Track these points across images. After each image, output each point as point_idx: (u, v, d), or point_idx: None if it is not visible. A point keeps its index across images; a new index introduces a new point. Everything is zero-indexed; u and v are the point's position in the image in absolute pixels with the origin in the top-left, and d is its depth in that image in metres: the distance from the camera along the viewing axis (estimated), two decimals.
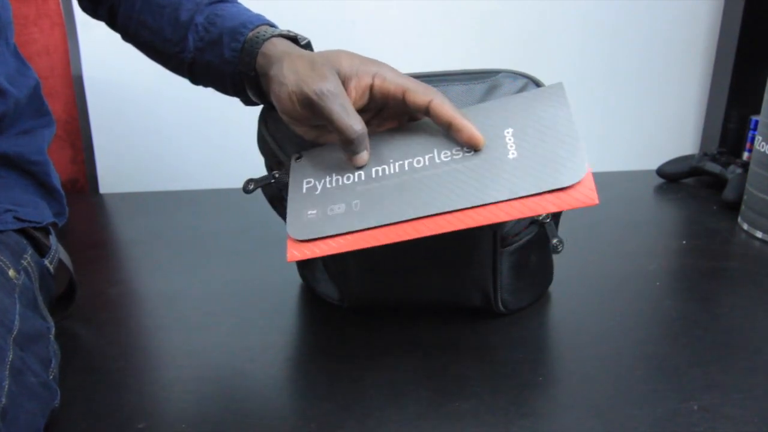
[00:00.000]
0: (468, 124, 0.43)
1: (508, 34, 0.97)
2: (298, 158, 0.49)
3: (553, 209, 0.39)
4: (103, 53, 0.96)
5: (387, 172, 0.45)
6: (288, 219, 0.46)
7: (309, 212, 0.45)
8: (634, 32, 0.98)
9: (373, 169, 0.45)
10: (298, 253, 0.44)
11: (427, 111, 0.44)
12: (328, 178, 0.47)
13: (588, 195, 0.39)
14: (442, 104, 0.44)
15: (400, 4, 0.95)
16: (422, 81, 0.51)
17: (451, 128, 0.44)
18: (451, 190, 0.42)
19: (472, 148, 0.44)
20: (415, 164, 0.44)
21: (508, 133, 0.43)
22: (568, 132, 0.42)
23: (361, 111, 0.47)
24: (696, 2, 0.97)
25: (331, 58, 0.45)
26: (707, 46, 0.99)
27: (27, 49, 0.95)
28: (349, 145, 0.44)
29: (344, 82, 0.44)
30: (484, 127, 0.44)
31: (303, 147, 0.50)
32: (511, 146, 0.42)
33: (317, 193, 0.46)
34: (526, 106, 0.44)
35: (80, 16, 0.94)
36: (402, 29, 0.97)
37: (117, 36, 0.59)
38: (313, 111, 0.44)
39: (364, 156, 0.45)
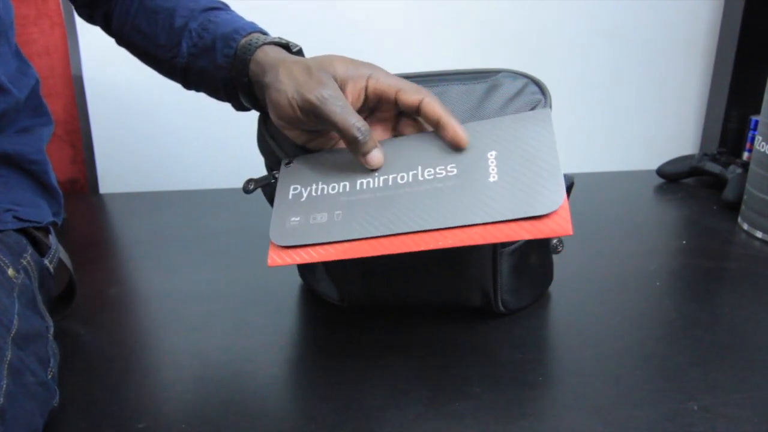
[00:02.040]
0: (454, 123, 0.45)
1: (509, 34, 0.97)
2: (288, 163, 0.50)
3: (527, 236, 0.40)
4: (103, 53, 0.96)
5: (371, 185, 0.46)
6: (271, 224, 0.46)
7: (292, 219, 0.46)
8: (634, 32, 0.98)
9: (358, 181, 0.46)
10: (279, 259, 0.45)
11: (418, 110, 0.45)
12: (314, 186, 0.47)
13: (562, 225, 0.40)
14: (432, 103, 0.45)
15: (401, 5, 0.95)
16: (423, 80, 0.52)
17: (438, 126, 0.45)
18: (431, 208, 0.43)
19: (456, 147, 0.45)
20: (399, 180, 0.45)
21: (491, 155, 0.44)
22: (550, 160, 0.42)
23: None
24: (696, 2, 0.97)
25: (325, 63, 0.45)
26: (707, 46, 0.99)
27: (27, 49, 0.95)
28: (356, 145, 0.45)
29: (341, 86, 0.45)
30: (470, 148, 0.45)
31: (302, 146, 0.50)
32: (493, 169, 0.43)
33: (302, 200, 0.47)
34: (512, 129, 0.45)
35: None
36: (403, 29, 0.97)
37: None
38: (315, 115, 0.44)
39: (376, 154, 0.45)
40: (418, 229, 0.42)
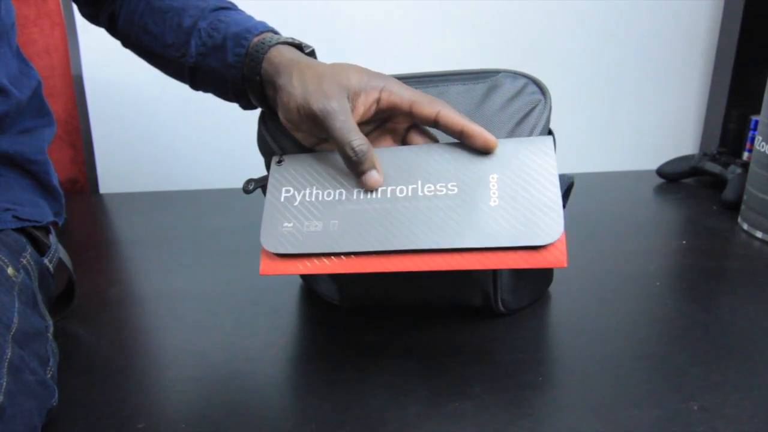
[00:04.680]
0: (479, 129, 0.44)
1: (509, 35, 0.97)
2: (279, 162, 0.48)
3: (524, 266, 0.41)
4: (103, 53, 0.96)
5: (369, 196, 0.45)
6: (262, 228, 0.45)
7: (285, 224, 0.45)
8: (634, 32, 0.98)
9: (355, 190, 0.45)
10: (271, 267, 0.44)
11: (435, 122, 0.45)
12: (308, 190, 0.46)
13: (558, 257, 0.40)
14: (450, 113, 0.44)
15: (401, 5, 0.95)
16: (422, 81, 0.52)
17: (463, 135, 0.44)
18: (429, 227, 0.42)
19: (486, 151, 0.44)
20: (397, 192, 0.44)
21: (493, 178, 0.44)
22: (551, 190, 0.42)
23: (365, 123, 0.47)
24: (696, 2, 0.97)
25: (340, 73, 0.45)
26: (707, 46, 0.99)
27: (27, 49, 0.95)
28: (352, 163, 0.44)
29: (353, 97, 0.44)
30: (472, 168, 0.44)
31: (303, 147, 0.50)
32: (494, 193, 0.43)
33: (295, 204, 0.46)
34: (515, 153, 0.44)
35: (80, 17, 0.94)
36: (403, 29, 0.97)
37: None
38: (317, 125, 0.44)
39: (373, 175, 0.45)
40: (415, 248, 0.42)
